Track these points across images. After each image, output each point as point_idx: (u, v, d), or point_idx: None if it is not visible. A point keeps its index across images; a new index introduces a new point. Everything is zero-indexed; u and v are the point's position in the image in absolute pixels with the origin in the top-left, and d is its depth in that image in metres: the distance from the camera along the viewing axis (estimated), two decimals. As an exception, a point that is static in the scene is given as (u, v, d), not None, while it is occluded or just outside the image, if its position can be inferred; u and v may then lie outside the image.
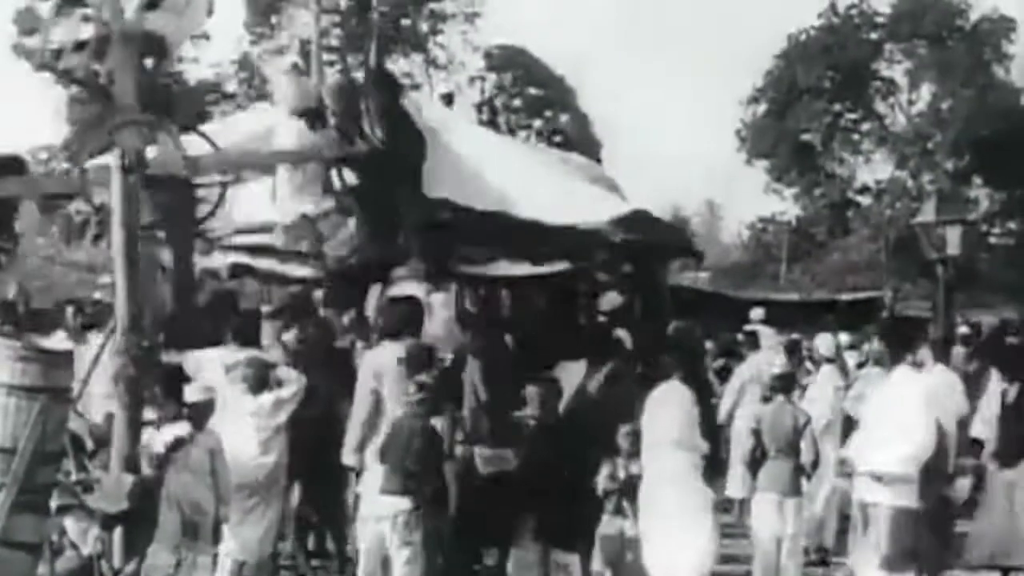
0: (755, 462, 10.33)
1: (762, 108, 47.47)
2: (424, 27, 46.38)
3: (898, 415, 9.43)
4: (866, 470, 9.50)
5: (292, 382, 9.84)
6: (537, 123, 46.39)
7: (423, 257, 10.89)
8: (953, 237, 13.37)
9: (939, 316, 14.45)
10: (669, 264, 12.16)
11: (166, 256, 10.30)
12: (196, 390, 9.17)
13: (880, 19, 46.84)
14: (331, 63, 25.58)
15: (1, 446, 7.58)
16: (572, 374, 10.45)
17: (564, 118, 47.03)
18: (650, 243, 10.85)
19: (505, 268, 11.52)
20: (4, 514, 7.52)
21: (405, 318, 10.19)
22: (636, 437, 9.57)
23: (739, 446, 12.42)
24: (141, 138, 8.75)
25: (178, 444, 8.81)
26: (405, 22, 45.32)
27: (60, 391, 7.88)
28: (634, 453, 9.56)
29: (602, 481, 9.59)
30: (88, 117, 9.27)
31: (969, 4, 45.87)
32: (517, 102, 47.25)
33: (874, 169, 47.37)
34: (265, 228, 11.27)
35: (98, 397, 9.78)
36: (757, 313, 16.37)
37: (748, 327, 15.36)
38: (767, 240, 48.57)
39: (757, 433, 10.30)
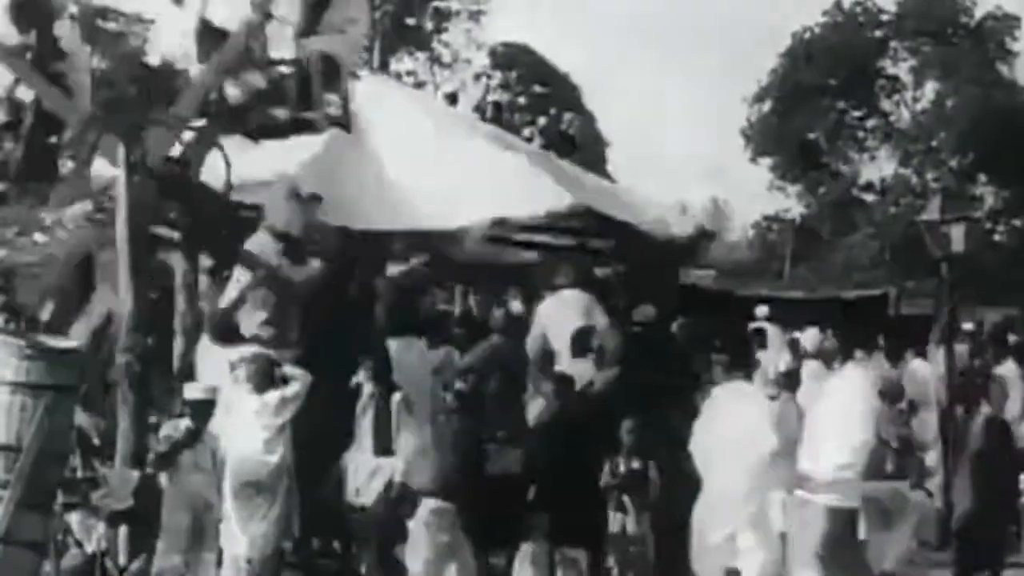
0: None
1: (767, 106, 47.50)
2: (429, 25, 46.41)
3: (838, 413, 9.23)
4: (804, 470, 9.31)
5: (297, 379, 9.86)
6: (542, 121, 46.39)
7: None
8: (958, 235, 13.31)
9: (943, 314, 14.42)
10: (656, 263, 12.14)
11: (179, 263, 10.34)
12: (197, 388, 9.20)
13: (885, 17, 46.87)
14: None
15: (6, 444, 7.57)
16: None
17: (568, 116, 47.04)
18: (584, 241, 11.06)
19: None
20: (9, 512, 7.54)
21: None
22: (638, 433, 9.60)
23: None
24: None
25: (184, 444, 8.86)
26: (410, 20, 45.35)
27: (66, 389, 7.89)
28: (635, 449, 9.61)
29: (603, 477, 9.63)
30: (90, 118, 9.32)
31: (974, 2, 45.97)
32: (522, 100, 47.27)
33: (879, 167, 47.51)
34: None
35: None
36: (762, 311, 16.35)
37: (753, 325, 15.35)
38: (772, 238, 48.58)
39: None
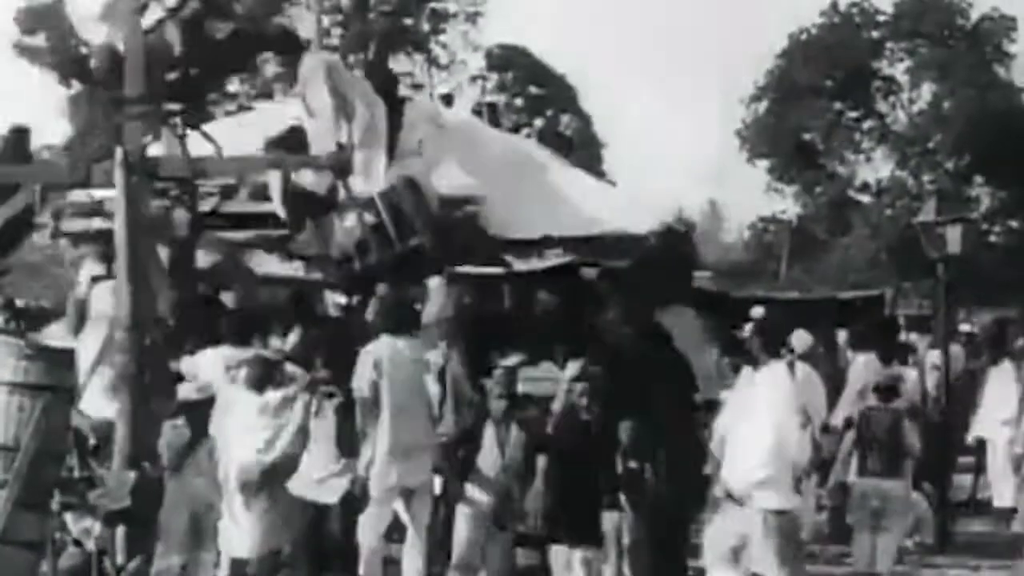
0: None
1: (763, 107, 47.51)
2: (426, 26, 46.39)
3: (762, 416, 9.23)
4: (738, 476, 9.23)
5: (296, 380, 9.87)
6: (538, 123, 46.41)
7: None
8: (954, 236, 13.31)
9: (939, 315, 14.45)
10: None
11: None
12: (191, 389, 9.21)
13: (881, 18, 46.90)
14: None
15: (4, 444, 7.58)
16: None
17: (565, 118, 47.05)
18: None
19: None
20: (6, 512, 7.54)
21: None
22: (635, 432, 9.61)
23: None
24: (142, 132, 8.80)
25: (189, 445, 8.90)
26: (407, 21, 45.33)
27: (63, 389, 7.90)
28: (632, 449, 9.63)
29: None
30: (91, 117, 9.31)
31: (970, 3, 46.02)
32: (518, 101, 47.28)
33: (875, 168, 47.53)
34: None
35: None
36: (758, 312, 16.34)
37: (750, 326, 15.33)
38: (768, 239, 48.60)
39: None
